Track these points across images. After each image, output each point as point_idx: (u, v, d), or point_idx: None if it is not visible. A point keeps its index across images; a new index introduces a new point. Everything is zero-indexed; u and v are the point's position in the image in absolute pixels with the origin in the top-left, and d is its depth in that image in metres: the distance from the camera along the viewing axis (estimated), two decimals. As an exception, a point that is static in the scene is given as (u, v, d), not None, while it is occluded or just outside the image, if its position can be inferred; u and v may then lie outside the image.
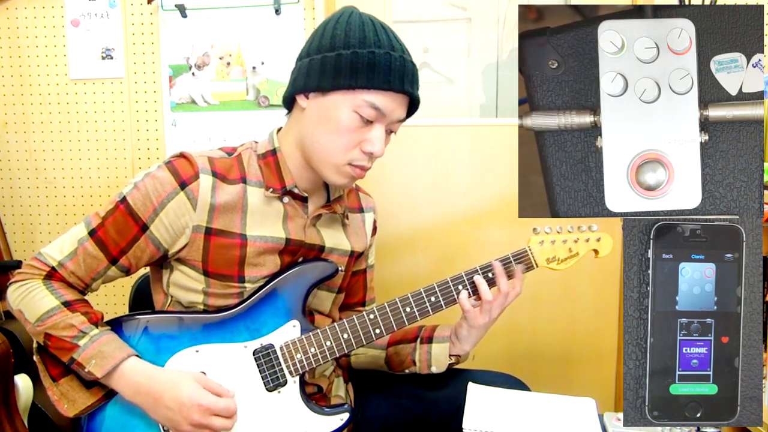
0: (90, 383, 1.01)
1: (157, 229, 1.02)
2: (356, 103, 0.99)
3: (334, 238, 1.14)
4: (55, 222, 1.92)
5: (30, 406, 1.48)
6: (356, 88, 0.98)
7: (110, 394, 1.02)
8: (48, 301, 0.99)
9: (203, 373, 1.03)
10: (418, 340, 1.17)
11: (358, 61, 0.97)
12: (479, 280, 1.07)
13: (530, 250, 1.09)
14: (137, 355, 1.01)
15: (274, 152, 1.08)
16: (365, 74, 0.97)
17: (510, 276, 1.08)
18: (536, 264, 1.09)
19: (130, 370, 0.98)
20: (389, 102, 1.00)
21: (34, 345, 1.03)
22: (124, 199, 1.02)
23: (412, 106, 1.07)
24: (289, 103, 1.09)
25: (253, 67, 1.81)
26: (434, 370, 1.15)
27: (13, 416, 1.40)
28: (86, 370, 0.97)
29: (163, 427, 1.01)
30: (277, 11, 1.78)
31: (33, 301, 1.00)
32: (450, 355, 1.14)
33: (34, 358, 1.03)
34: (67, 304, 1.00)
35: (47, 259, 1.03)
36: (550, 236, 1.09)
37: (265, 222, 1.06)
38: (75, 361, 0.97)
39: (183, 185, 1.01)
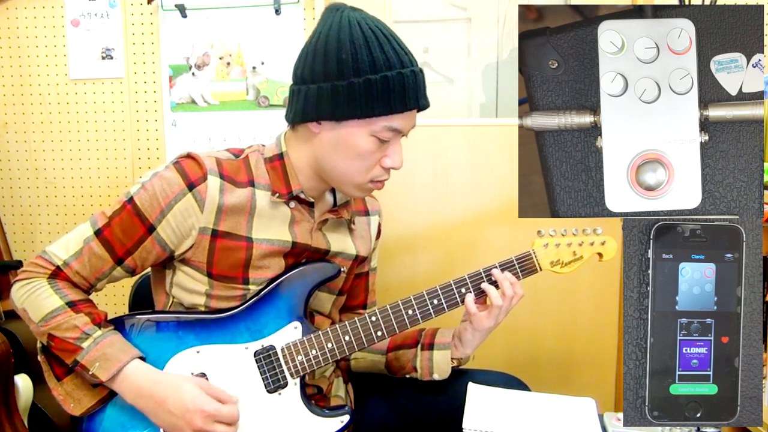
0: None
1: (164, 230, 1.01)
2: (374, 128, 0.98)
3: (340, 243, 1.14)
4: (55, 222, 1.91)
5: (30, 406, 1.47)
6: (373, 116, 0.97)
7: (114, 391, 1.01)
8: (52, 300, 0.99)
9: (203, 374, 1.03)
10: (419, 346, 1.16)
11: (372, 88, 0.94)
12: (487, 287, 1.06)
13: (534, 253, 1.08)
14: (141, 357, 1.01)
15: (281, 156, 1.07)
16: (381, 101, 0.95)
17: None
18: (540, 267, 1.08)
19: (133, 373, 0.98)
20: (406, 120, 1.00)
21: (39, 345, 1.03)
22: (131, 199, 1.01)
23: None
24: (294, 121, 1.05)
25: (253, 67, 1.80)
26: (436, 377, 1.14)
27: (13, 416, 1.40)
28: (90, 372, 0.96)
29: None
30: (277, 11, 1.78)
31: (37, 300, 1.00)
32: (452, 359, 1.14)
33: (39, 358, 1.03)
34: (71, 305, 0.99)
35: (52, 258, 1.02)
36: (555, 239, 1.08)
37: (272, 225, 1.05)
38: (79, 364, 0.97)
39: (191, 186, 1.00)
